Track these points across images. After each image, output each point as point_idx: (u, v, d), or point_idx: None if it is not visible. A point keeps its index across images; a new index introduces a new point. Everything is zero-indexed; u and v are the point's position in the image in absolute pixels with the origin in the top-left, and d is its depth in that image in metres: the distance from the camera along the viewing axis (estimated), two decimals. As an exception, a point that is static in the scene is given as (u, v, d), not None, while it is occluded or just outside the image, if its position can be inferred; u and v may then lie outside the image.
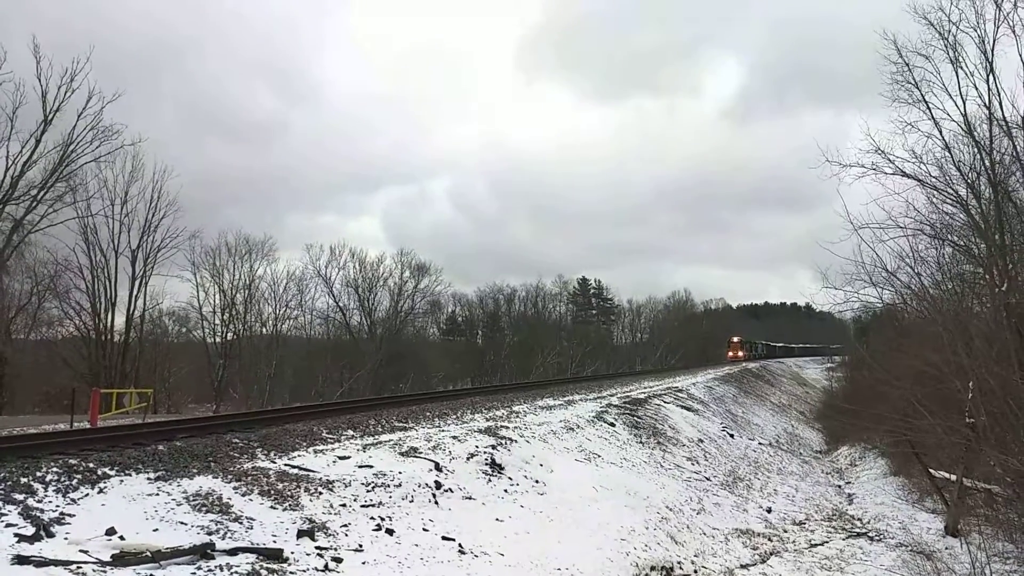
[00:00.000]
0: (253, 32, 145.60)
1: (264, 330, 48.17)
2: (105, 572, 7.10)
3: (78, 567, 7.03)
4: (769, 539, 17.34)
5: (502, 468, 14.23)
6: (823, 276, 18.93)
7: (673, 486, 18.87)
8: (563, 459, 16.74)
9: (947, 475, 19.20)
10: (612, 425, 22.30)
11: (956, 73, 17.32)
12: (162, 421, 17.73)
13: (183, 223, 39.69)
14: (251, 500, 9.79)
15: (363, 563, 8.71)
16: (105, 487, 9.27)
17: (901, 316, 25.54)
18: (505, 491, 13.36)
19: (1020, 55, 16.32)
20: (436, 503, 11.66)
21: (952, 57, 17.32)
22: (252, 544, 8.37)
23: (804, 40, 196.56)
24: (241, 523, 9.00)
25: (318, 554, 8.56)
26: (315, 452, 12.99)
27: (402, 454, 13.40)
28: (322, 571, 8.23)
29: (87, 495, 8.93)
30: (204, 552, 7.78)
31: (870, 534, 18.69)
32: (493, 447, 15.14)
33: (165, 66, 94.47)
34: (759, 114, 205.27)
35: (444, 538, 10.34)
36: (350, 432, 15.59)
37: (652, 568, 12.62)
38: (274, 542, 8.63)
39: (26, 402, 33.68)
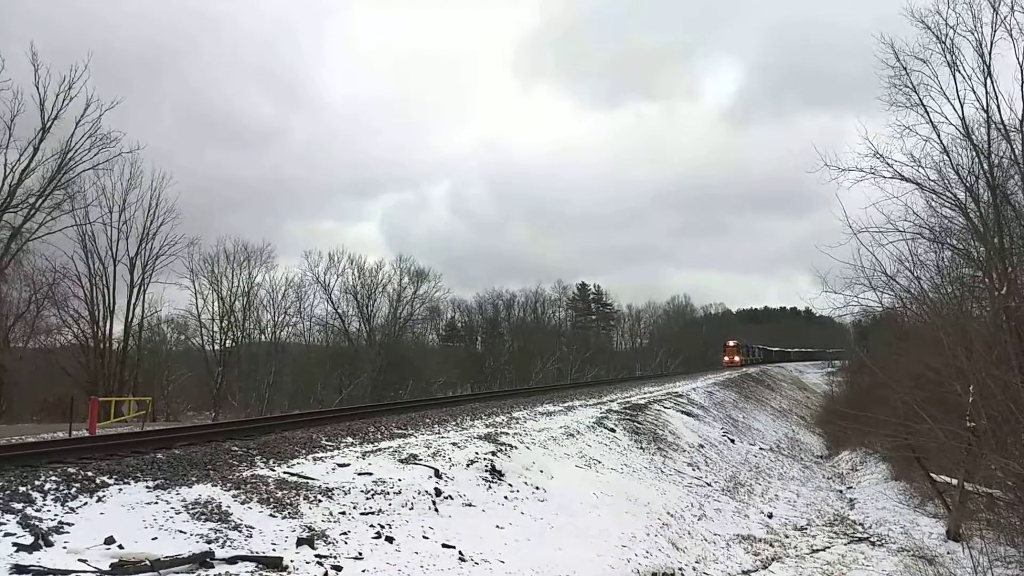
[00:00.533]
0: (251, 39, 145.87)
1: (263, 337, 48.23)
2: (103, 582, 7.05)
3: (76, 576, 6.99)
4: (771, 545, 17.28)
5: (502, 475, 14.18)
6: (822, 280, 18.99)
7: (674, 492, 18.81)
8: (563, 465, 16.69)
9: (948, 479, 19.15)
10: (612, 431, 22.24)
11: (954, 77, 17.42)
12: (161, 429, 17.71)
13: (181, 230, 39.87)
14: (250, 508, 9.75)
15: (363, 571, 8.66)
16: (104, 496, 9.23)
17: (901, 320, 25.53)
18: (505, 498, 13.31)
19: (1017, 58, 16.42)
20: (436, 510, 11.61)
21: (950, 61, 17.42)
22: (251, 552, 8.33)
23: (801, 43, 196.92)
24: (240, 531, 8.95)
25: (318, 562, 8.51)
26: (314, 460, 12.94)
27: (402, 461, 13.35)
28: (322, 579, 8.18)
29: (86, 504, 8.89)
30: (203, 561, 7.73)
31: (872, 539, 18.63)
32: (493, 454, 15.09)
33: (163, 73, 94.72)
34: (757, 118, 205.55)
35: (444, 545, 10.29)
36: (349, 439, 15.55)
37: (653, 575, 12.57)
38: (273, 550, 8.58)
39: (24, 411, 33.61)
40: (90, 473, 9.91)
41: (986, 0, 16.76)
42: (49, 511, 8.45)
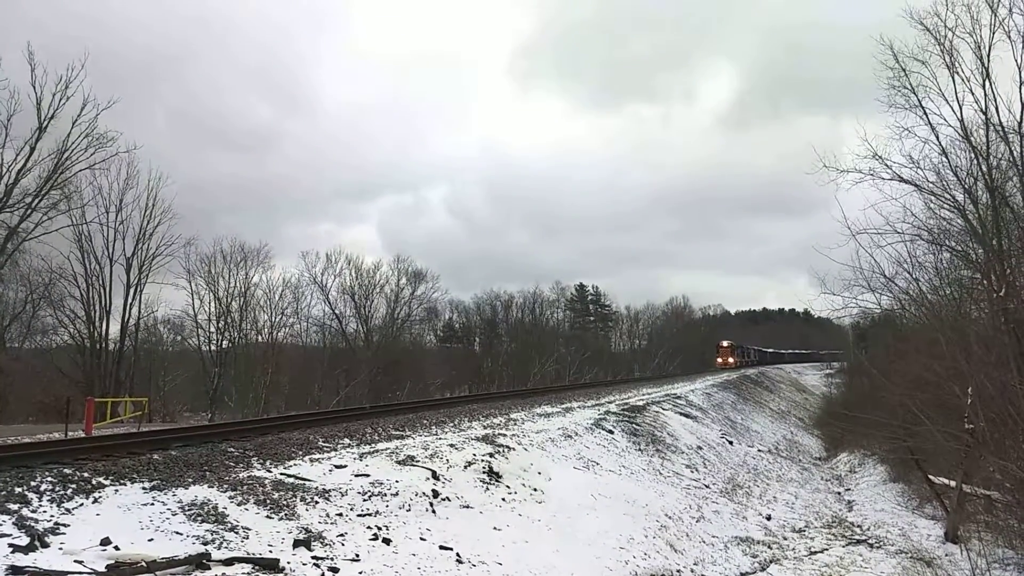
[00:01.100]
0: (250, 41, 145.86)
1: (260, 338, 48.02)
2: (99, 583, 7.01)
3: (72, 578, 6.94)
4: (769, 547, 17.26)
5: (500, 476, 14.15)
6: (821, 282, 18.98)
7: (672, 494, 18.78)
8: (561, 467, 16.65)
9: (947, 481, 19.15)
10: (610, 432, 22.21)
11: (952, 78, 17.37)
12: (157, 430, 17.66)
13: (178, 230, 39.60)
14: (247, 510, 9.71)
15: (360, 573, 8.63)
16: (100, 497, 9.18)
17: (899, 322, 25.54)
18: (503, 499, 13.27)
19: (1016, 60, 16.41)
20: (433, 512, 11.57)
21: (948, 62, 17.37)
22: (248, 554, 8.29)
23: (799, 45, 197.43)
24: (237, 533, 8.92)
25: (314, 564, 8.47)
26: (311, 461, 12.90)
27: (399, 463, 13.31)
28: (319, 581, 8.14)
29: (82, 505, 8.85)
30: (199, 562, 7.69)
31: (870, 541, 18.61)
32: (491, 455, 15.05)
33: (161, 74, 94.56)
34: (754, 120, 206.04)
35: (442, 547, 10.25)
36: (346, 441, 15.51)
37: (651, 576, 12.54)
38: (270, 552, 8.54)
39: (20, 411, 33.46)
40: (86, 474, 9.86)
41: (985, 2, 16.74)
42: (45, 512, 8.41)
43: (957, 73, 17.30)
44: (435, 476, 12.93)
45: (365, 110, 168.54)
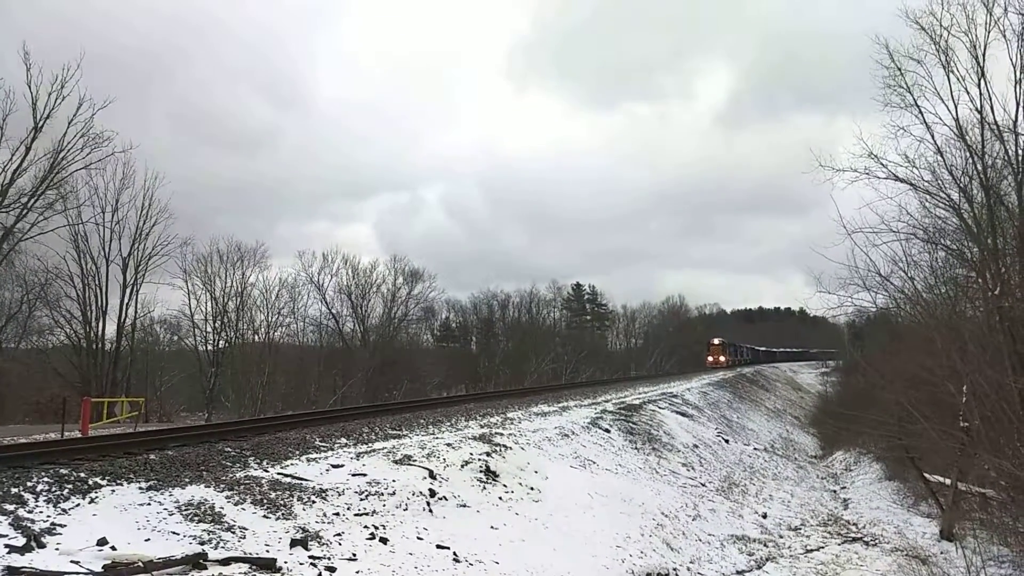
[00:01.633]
0: (244, 42, 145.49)
1: (256, 338, 48.00)
2: (96, 583, 7.01)
3: (68, 578, 6.94)
4: (765, 545, 17.30)
5: (497, 475, 14.16)
6: (817, 280, 19.06)
7: (669, 492, 18.82)
8: (558, 466, 16.67)
9: (942, 479, 19.21)
10: (607, 431, 22.24)
11: (948, 78, 17.48)
12: (154, 430, 17.62)
13: (174, 230, 39.63)
14: (244, 509, 9.71)
15: (357, 572, 8.64)
16: (96, 497, 9.18)
17: (895, 320, 25.61)
18: (500, 498, 13.29)
19: (1011, 59, 16.50)
20: (430, 511, 11.59)
21: (944, 62, 17.48)
22: (245, 554, 8.29)
23: (795, 45, 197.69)
24: (234, 532, 8.92)
25: (311, 563, 8.48)
26: (308, 460, 12.90)
27: (396, 462, 13.32)
28: (316, 581, 8.15)
29: (78, 505, 8.84)
30: (196, 562, 7.69)
31: (865, 539, 18.67)
32: (488, 454, 15.07)
33: (156, 75, 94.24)
34: (751, 119, 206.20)
35: (439, 546, 10.27)
36: (343, 440, 15.50)
37: (648, 575, 12.57)
38: (267, 551, 8.55)
39: (16, 411, 33.43)
40: (82, 474, 9.85)
41: (980, 1, 16.83)
42: (41, 512, 8.40)
43: (952, 72, 17.42)
44: (432, 475, 12.94)
45: (361, 109, 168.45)
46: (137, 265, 38.41)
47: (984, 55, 16.93)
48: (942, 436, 17.10)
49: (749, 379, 60.76)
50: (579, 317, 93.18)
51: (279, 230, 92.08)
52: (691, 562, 14.30)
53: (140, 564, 7.37)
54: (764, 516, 20.24)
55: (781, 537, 18.45)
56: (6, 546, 7.34)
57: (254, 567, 7.95)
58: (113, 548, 7.75)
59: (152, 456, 11.62)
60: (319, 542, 9.25)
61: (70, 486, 9.32)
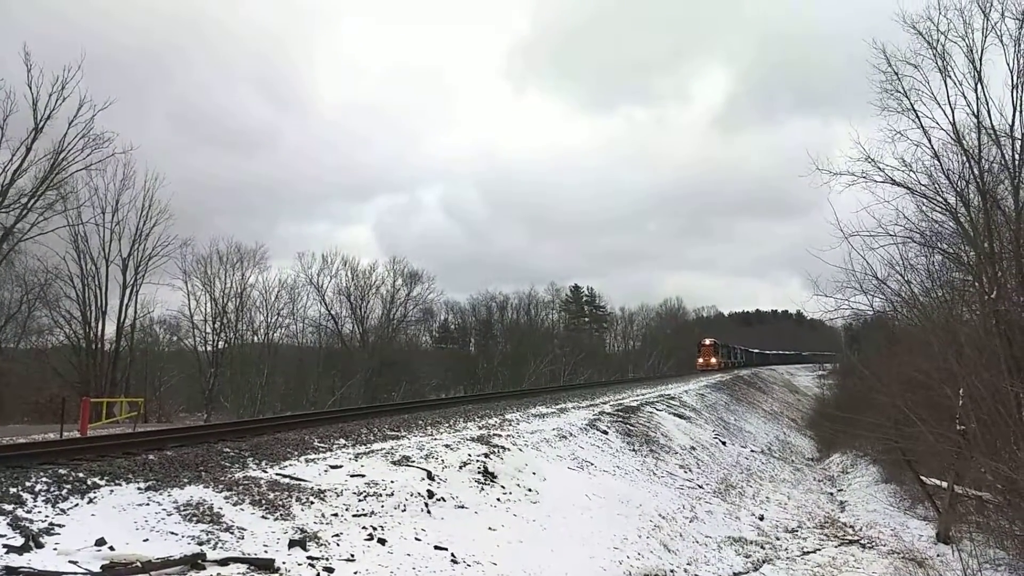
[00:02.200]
0: (244, 43, 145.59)
1: (255, 339, 48.13)
2: (95, 583, 7.05)
3: (67, 578, 6.98)
4: (762, 547, 17.34)
5: (495, 477, 14.20)
6: (814, 284, 19.05)
7: (666, 494, 18.85)
8: (556, 467, 16.71)
9: (938, 482, 19.25)
10: (605, 433, 22.27)
11: (945, 82, 17.49)
12: (152, 430, 17.63)
13: (174, 231, 39.76)
14: (242, 510, 9.74)
15: (355, 573, 8.67)
16: (95, 497, 9.21)
17: (891, 324, 25.64)
18: (498, 500, 13.32)
19: (1008, 64, 16.54)
20: (429, 512, 11.62)
21: (941, 66, 17.49)
22: (243, 554, 8.33)
23: (792, 48, 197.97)
24: (232, 533, 8.95)
25: (309, 564, 8.52)
26: (307, 461, 12.93)
27: (394, 463, 13.35)
28: (314, 581, 8.18)
29: (77, 505, 8.87)
30: (195, 562, 7.73)
31: (862, 541, 18.71)
32: (486, 455, 15.10)
33: (156, 76, 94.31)
34: (748, 122, 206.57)
35: (437, 547, 10.30)
36: (342, 441, 15.54)
37: (645, 576, 12.60)
38: (265, 552, 8.58)
39: (15, 411, 33.44)
40: (81, 474, 9.88)
41: (977, 6, 16.86)
42: (40, 512, 8.43)
43: (949, 77, 17.44)
44: (430, 476, 12.97)
45: (360, 110, 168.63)
46: (137, 266, 38.51)
47: (981, 60, 16.96)
48: (938, 439, 17.16)
49: (746, 381, 60.78)
50: (577, 319, 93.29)
51: (278, 231, 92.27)
52: (688, 564, 14.33)
53: (138, 564, 7.41)
54: (761, 518, 20.27)
55: (778, 539, 18.48)
56: (4, 546, 7.36)
57: (252, 567, 7.98)
58: (111, 548, 7.78)
59: (151, 456, 11.64)
60: (317, 543, 9.28)
61: (69, 486, 9.34)
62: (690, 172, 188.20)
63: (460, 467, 14.01)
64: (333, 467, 12.56)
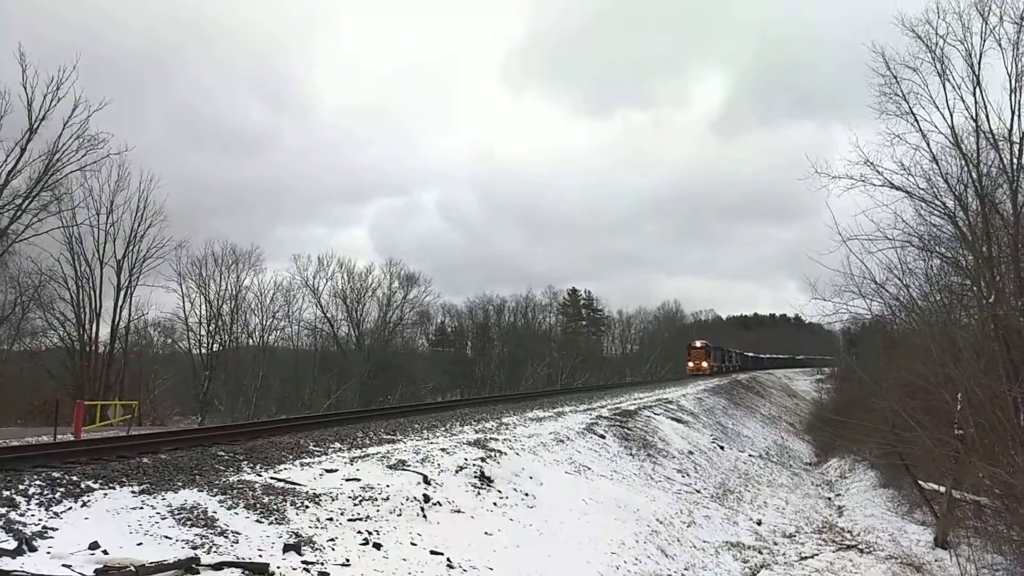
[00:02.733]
0: (241, 44, 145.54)
1: (250, 341, 48.05)
2: (87, 588, 6.96)
3: (59, 583, 6.89)
4: (759, 552, 17.28)
5: (491, 481, 14.12)
6: (812, 287, 19.07)
7: (663, 499, 18.80)
8: (553, 472, 16.64)
9: (936, 487, 19.22)
10: (602, 437, 22.21)
11: (943, 86, 17.53)
12: (147, 433, 17.52)
13: (169, 233, 39.71)
14: (236, 514, 9.66)
15: (351, 578, 8.59)
16: (89, 500, 9.13)
17: (890, 328, 25.65)
18: (494, 504, 13.25)
19: (1006, 68, 16.57)
20: (424, 517, 11.54)
21: (939, 70, 17.53)
22: (237, 559, 8.24)
23: (790, 51, 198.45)
24: (226, 537, 8.87)
25: (304, 569, 8.44)
26: (302, 465, 12.85)
27: (390, 467, 13.28)
28: (309, 586, 8.10)
29: (70, 509, 8.79)
30: (189, 567, 7.65)
31: (860, 546, 18.65)
32: (482, 460, 15.03)
33: (152, 77, 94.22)
34: (746, 125, 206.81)
35: (432, 552, 10.22)
36: (337, 445, 15.45)
37: (642, 581, 12.54)
38: (260, 556, 8.50)
39: (9, 414, 33.25)
40: (75, 478, 9.80)
41: (976, 10, 16.90)
42: (33, 516, 8.35)
43: (948, 80, 17.47)
44: (426, 481, 12.90)
45: (358, 113, 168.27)
46: (131, 268, 38.44)
47: (979, 64, 17.00)
48: (937, 444, 17.13)
49: (744, 385, 60.77)
50: (575, 322, 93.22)
51: (274, 233, 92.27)
52: (686, 569, 14.27)
53: (132, 568, 7.32)
54: (759, 523, 20.21)
55: (775, 544, 18.42)
56: (-3, 550, 7.29)
57: (247, 572, 7.90)
58: (105, 552, 7.70)
59: (145, 460, 11.58)
60: (312, 547, 9.20)
61: (62, 489, 9.27)
62: (688, 175, 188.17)
63: (456, 471, 13.93)
64: (328, 471, 12.48)
